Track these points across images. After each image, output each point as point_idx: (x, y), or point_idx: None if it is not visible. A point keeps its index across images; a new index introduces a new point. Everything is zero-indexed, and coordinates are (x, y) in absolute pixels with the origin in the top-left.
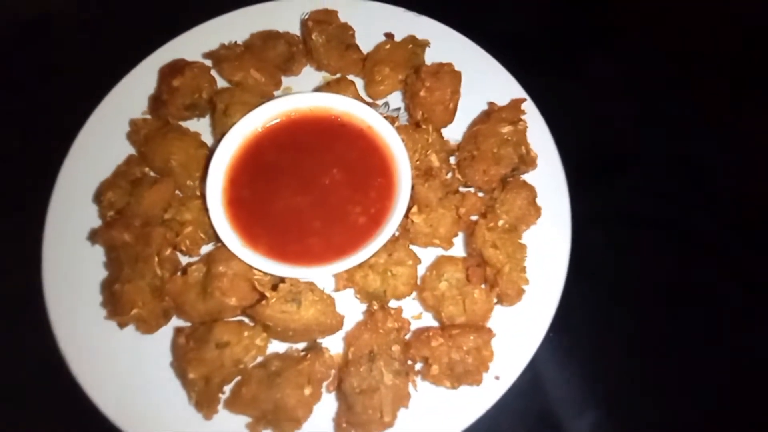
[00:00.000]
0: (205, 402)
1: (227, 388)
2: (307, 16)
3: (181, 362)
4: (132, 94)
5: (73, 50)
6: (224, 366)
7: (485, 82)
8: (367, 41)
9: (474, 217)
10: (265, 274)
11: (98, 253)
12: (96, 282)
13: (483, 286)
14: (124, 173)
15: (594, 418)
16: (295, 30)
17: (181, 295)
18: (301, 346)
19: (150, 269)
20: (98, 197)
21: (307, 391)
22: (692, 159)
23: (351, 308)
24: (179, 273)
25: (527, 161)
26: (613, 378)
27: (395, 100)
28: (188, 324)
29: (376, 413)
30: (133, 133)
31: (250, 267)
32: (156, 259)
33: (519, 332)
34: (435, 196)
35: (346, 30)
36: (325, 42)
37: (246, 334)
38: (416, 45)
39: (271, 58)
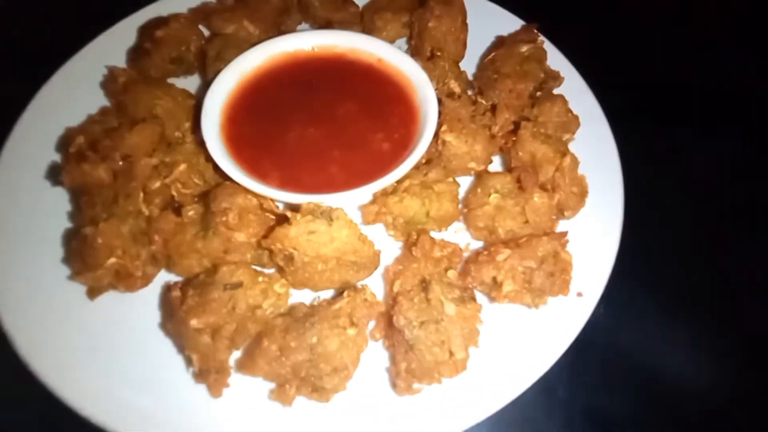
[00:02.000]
0: (211, 368)
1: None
2: None
3: (177, 318)
4: (111, 48)
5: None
6: (237, 312)
7: (491, 26)
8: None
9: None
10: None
11: (58, 201)
12: (52, 239)
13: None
14: (99, 122)
15: None
16: None
17: (174, 235)
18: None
19: (133, 207)
20: (64, 143)
21: (352, 331)
22: None
23: (384, 251)
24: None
25: (553, 75)
26: None
27: None
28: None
29: (444, 351)
30: (110, 82)
31: (260, 202)
32: (141, 195)
33: (591, 244)
34: (466, 113)
35: None
36: None
37: (261, 279)
38: None
39: (265, 11)
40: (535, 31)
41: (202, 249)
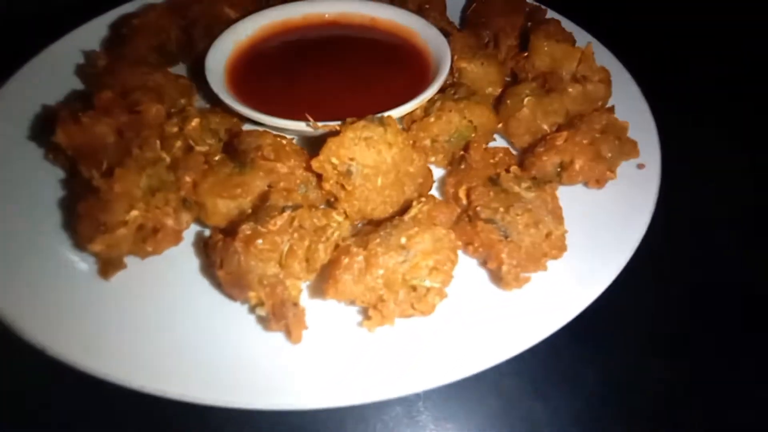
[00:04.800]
0: (287, 303)
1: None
2: None
3: (229, 255)
4: (85, 41)
5: None
6: (306, 230)
7: None
8: None
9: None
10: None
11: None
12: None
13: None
14: (80, 104)
15: None
16: None
17: (205, 176)
18: None
19: (151, 155)
20: (47, 113)
21: (440, 229)
22: None
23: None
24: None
25: (535, 8)
26: None
27: None
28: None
29: (541, 232)
30: (89, 66)
31: (288, 140)
32: (158, 142)
33: (632, 124)
34: (474, 42)
35: None
36: None
37: (317, 212)
38: None
39: None
40: None
41: (242, 184)
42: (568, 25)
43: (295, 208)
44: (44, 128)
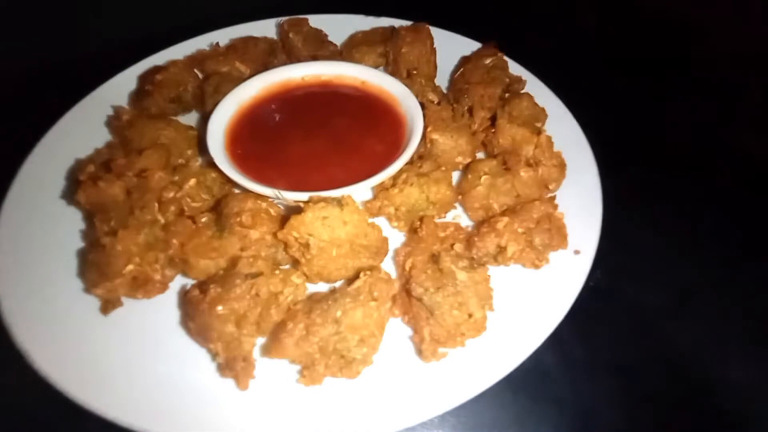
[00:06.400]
0: (237, 358)
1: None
2: (282, 22)
3: (199, 312)
4: (115, 93)
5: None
6: (260, 297)
7: (455, 51)
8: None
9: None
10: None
11: (68, 224)
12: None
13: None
14: (106, 154)
15: None
16: (272, 36)
17: (191, 238)
18: None
19: (149, 216)
20: (75, 169)
21: (374, 303)
22: None
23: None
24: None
25: (516, 79)
26: None
27: None
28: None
29: (463, 313)
30: (115, 119)
31: (269, 206)
32: (156, 205)
33: (577, 207)
34: (448, 115)
35: (319, 32)
36: (302, 39)
37: (278, 272)
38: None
39: (254, 53)
40: (495, 47)
41: (219, 248)
42: (543, 94)
43: (256, 275)
44: (71, 183)
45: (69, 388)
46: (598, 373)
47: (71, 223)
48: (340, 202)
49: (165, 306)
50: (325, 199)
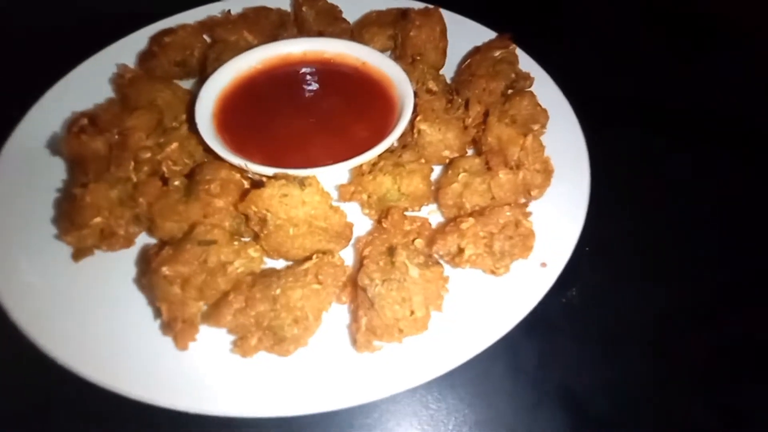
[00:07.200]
0: (178, 318)
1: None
2: None
3: (150, 269)
4: (123, 53)
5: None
6: (208, 265)
7: (471, 40)
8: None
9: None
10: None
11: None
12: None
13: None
14: (105, 110)
15: None
16: (286, 8)
17: (158, 199)
18: None
19: (123, 174)
20: (70, 124)
21: (316, 286)
22: None
23: (358, 229)
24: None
25: (523, 76)
26: None
27: None
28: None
29: (405, 309)
30: (118, 77)
31: (242, 174)
32: (132, 163)
33: (558, 221)
34: (440, 106)
35: (334, 8)
36: (314, 14)
37: (236, 243)
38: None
39: (263, 25)
40: (509, 39)
41: (183, 212)
42: (552, 95)
43: (209, 243)
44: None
45: (29, 328)
46: (540, 394)
47: (59, 173)
48: (302, 182)
49: (131, 260)
50: (287, 177)
